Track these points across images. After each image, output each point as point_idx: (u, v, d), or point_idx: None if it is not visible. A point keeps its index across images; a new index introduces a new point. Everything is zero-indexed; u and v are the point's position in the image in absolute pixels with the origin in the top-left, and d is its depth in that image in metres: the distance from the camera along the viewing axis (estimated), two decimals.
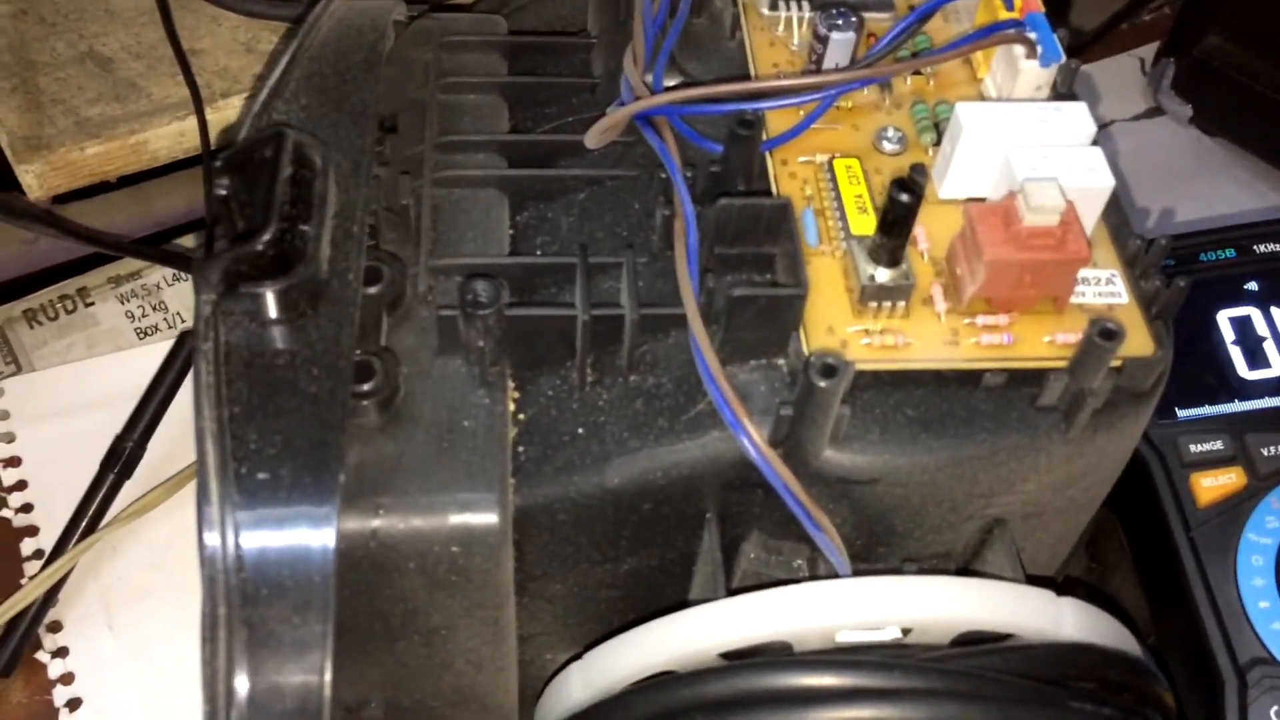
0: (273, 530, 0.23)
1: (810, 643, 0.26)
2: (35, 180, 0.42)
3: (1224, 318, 0.39)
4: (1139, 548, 0.39)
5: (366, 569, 0.27)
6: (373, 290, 0.28)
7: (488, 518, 0.27)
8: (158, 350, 0.45)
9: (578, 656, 0.29)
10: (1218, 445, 0.36)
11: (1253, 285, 0.40)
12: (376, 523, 0.27)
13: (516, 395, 0.29)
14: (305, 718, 0.22)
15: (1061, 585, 0.28)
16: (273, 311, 0.25)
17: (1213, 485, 0.36)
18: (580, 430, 0.29)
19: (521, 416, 0.29)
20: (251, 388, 0.24)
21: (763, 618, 0.26)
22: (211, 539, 0.23)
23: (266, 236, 0.25)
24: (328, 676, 0.22)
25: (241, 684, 0.22)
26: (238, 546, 0.23)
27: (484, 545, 0.27)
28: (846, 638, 0.26)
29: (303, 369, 0.25)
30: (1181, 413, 0.38)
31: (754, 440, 0.27)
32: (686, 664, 0.27)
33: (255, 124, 0.28)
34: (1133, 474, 0.34)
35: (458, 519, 0.27)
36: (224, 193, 0.26)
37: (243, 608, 0.22)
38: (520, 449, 0.29)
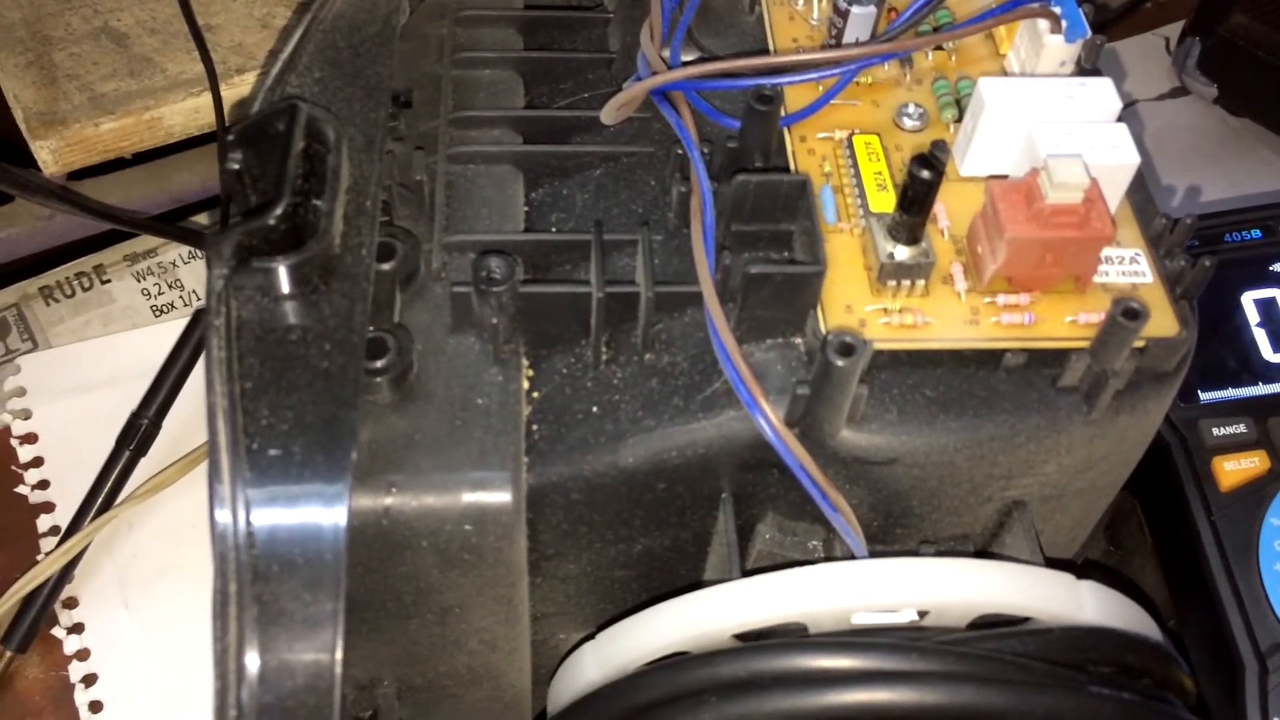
0: (284, 507, 0.23)
1: (825, 624, 0.26)
2: (50, 156, 0.42)
3: (1248, 299, 0.39)
4: (1159, 532, 0.38)
5: (379, 547, 0.27)
6: (386, 266, 0.28)
7: (501, 496, 0.27)
8: (173, 328, 0.44)
9: (591, 636, 0.29)
10: (1240, 429, 0.36)
11: (1278, 266, 0.39)
12: (389, 500, 0.27)
13: (530, 373, 0.29)
14: (316, 695, 0.22)
15: (1081, 568, 0.27)
16: (285, 286, 0.25)
17: (1235, 469, 0.36)
18: (595, 409, 0.29)
19: (535, 394, 0.29)
20: (263, 363, 0.24)
21: (778, 599, 0.25)
22: (223, 516, 0.23)
23: (279, 210, 0.25)
24: (339, 654, 0.22)
25: (252, 661, 0.22)
26: (249, 523, 0.23)
27: (497, 524, 0.27)
28: (862, 620, 0.26)
29: (315, 344, 0.25)
30: (1204, 395, 0.37)
31: (770, 420, 0.27)
32: (700, 645, 0.26)
33: (268, 98, 0.28)
34: (1153, 457, 0.33)
35: (471, 497, 0.27)
36: (236, 167, 0.26)
37: (253, 584, 0.22)
38: (534, 427, 0.28)
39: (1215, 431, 0.36)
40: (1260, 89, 0.51)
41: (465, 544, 0.27)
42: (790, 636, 0.26)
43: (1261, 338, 0.38)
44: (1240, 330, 0.38)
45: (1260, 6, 0.49)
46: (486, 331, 0.28)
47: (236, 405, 0.23)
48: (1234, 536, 0.35)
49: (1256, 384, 0.37)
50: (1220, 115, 0.54)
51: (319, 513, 0.23)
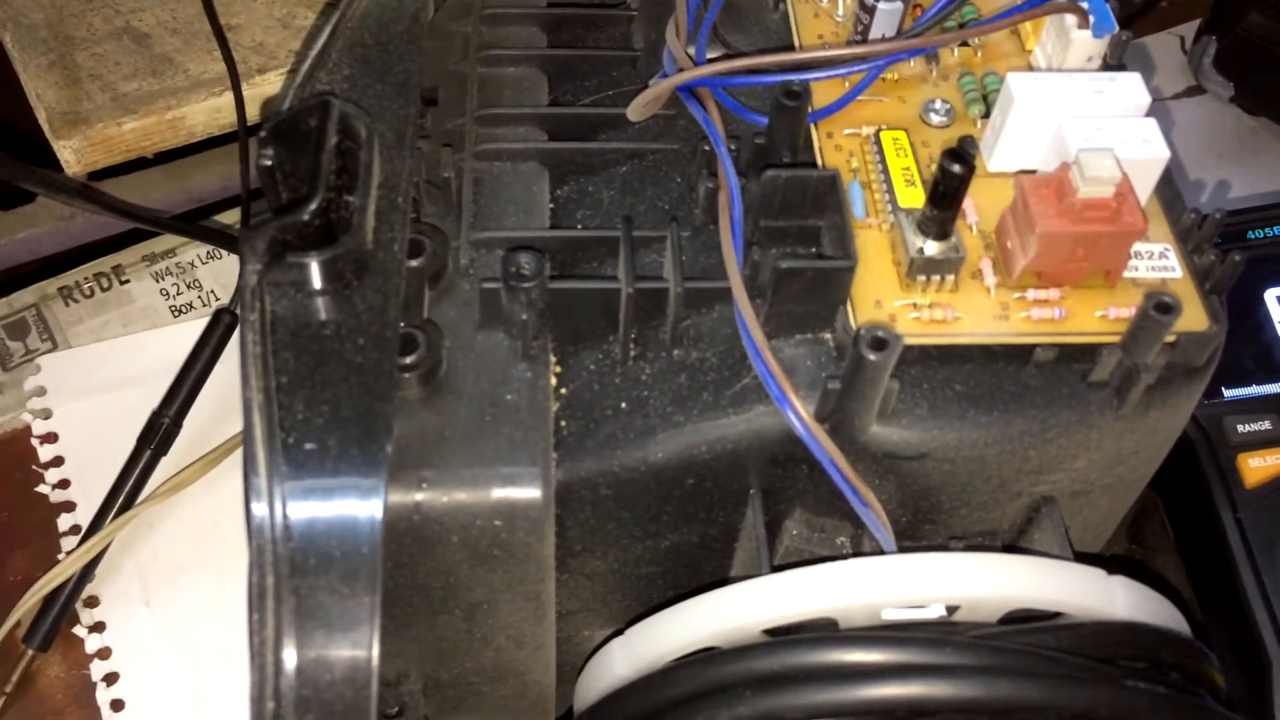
0: (320, 501, 0.23)
1: (856, 620, 0.26)
2: (73, 156, 0.42)
3: (1272, 296, 0.39)
4: (1183, 529, 0.38)
5: (409, 542, 0.27)
6: (415, 263, 0.28)
7: (531, 492, 0.27)
8: (193, 328, 0.45)
9: (618, 633, 0.29)
10: (1265, 425, 0.36)
11: None
12: (419, 496, 0.27)
13: (558, 369, 0.29)
14: (353, 688, 0.22)
15: (1110, 563, 0.27)
16: (318, 282, 0.25)
17: (1260, 466, 0.36)
18: (623, 404, 0.29)
19: (563, 391, 0.29)
20: (298, 358, 0.24)
21: (812, 593, 0.25)
22: (259, 509, 0.23)
23: (313, 206, 0.25)
24: (375, 647, 0.22)
25: (289, 654, 0.22)
26: (285, 516, 0.23)
27: (526, 519, 0.27)
28: (892, 615, 0.26)
29: (349, 339, 0.25)
30: (1228, 392, 0.37)
31: (800, 415, 0.27)
32: (730, 640, 0.26)
33: (299, 94, 0.28)
34: (1178, 454, 0.33)
35: (500, 493, 0.27)
36: (269, 163, 0.26)
37: (291, 578, 0.22)
38: (562, 423, 0.28)
39: (1240, 428, 0.36)
40: (1277, 87, 0.51)
41: (495, 539, 0.27)
42: (821, 631, 0.26)
43: None
44: (1263, 327, 0.38)
45: (1277, 5, 0.49)
46: (515, 328, 0.28)
47: (272, 399, 0.23)
48: (1260, 533, 0.35)
49: None
50: (1236, 114, 0.54)
51: (355, 506, 0.23)
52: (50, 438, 0.44)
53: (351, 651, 0.22)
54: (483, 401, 0.28)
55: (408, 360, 0.27)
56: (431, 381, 0.28)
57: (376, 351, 0.25)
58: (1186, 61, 0.55)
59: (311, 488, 0.23)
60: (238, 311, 0.43)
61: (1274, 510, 0.35)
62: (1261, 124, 0.53)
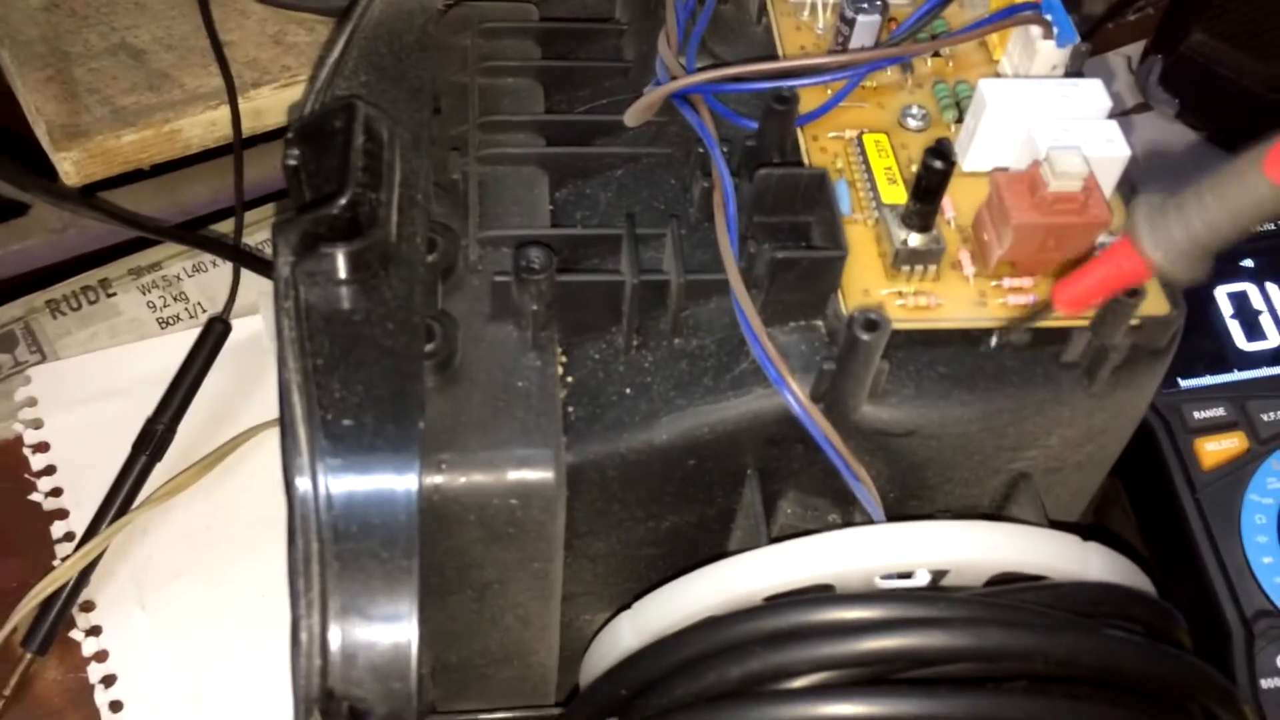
0: (359, 474, 0.24)
1: (852, 585, 0.28)
2: (73, 168, 0.43)
3: (1222, 293, 0.41)
4: (1145, 512, 0.40)
5: (429, 523, 0.28)
6: (430, 258, 0.30)
7: (544, 473, 0.28)
8: (180, 339, 0.46)
9: (624, 609, 0.31)
10: (1220, 411, 0.38)
11: (1249, 262, 0.42)
12: (439, 479, 0.28)
13: (564, 359, 0.31)
14: (395, 645, 0.23)
15: (1086, 531, 0.29)
16: (349, 271, 0.26)
17: (1216, 449, 0.38)
18: (628, 390, 0.30)
19: (570, 379, 0.30)
20: (332, 342, 0.26)
21: (813, 559, 0.27)
22: (303, 483, 0.24)
23: (343, 200, 0.26)
24: (416, 606, 0.24)
25: (335, 613, 0.23)
26: (327, 488, 0.24)
27: (541, 498, 0.29)
28: (884, 584, 0.28)
29: (379, 325, 0.26)
30: (1184, 382, 0.39)
31: (796, 395, 0.28)
32: (734, 609, 0.28)
33: (319, 99, 0.29)
34: (1139, 440, 0.36)
35: (516, 474, 0.28)
36: (294, 163, 0.28)
37: (334, 543, 0.24)
38: (569, 409, 0.30)
39: (1196, 415, 0.38)
40: (1219, 104, 0.54)
41: (510, 518, 0.29)
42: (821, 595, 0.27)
43: (1235, 328, 0.41)
44: (1215, 321, 0.41)
45: (1219, 26, 0.52)
46: (525, 319, 0.30)
47: (310, 380, 0.25)
48: (1217, 512, 0.37)
49: (1232, 371, 0.40)
50: (1181, 130, 0.56)
51: (392, 478, 0.24)
52: (42, 447, 0.45)
53: (394, 610, 0.24)
54: (495, 389, 0.29)
55: (427, 348, 0.28)
56: (447, 370, 0.29)
57: (404, 336, 0.26)
58: (1134, 80, 0.58)
59: (351, 462, 0.24)
60: (229, 320, 0.45)
61: (1230, 490, 0.37)
62: (1204, 138, 0.56)
